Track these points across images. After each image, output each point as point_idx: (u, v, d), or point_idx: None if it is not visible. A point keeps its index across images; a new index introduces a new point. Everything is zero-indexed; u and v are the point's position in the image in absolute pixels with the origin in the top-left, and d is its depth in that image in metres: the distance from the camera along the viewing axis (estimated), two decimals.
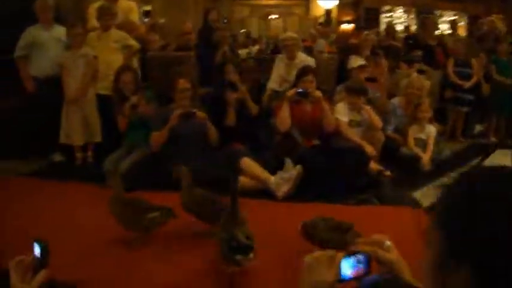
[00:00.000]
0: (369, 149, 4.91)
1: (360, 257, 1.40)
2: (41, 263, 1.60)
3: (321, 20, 13.57)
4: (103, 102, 5.76)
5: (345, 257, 1.37)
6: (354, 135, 5.12)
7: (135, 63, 6.15)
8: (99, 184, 4.93)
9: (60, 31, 5.92)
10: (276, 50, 9.34)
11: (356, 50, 6.83)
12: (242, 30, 13.66)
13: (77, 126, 5.66)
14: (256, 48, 10.55)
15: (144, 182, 4.67)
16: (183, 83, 4.91)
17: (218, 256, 3.01)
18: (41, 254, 1.61)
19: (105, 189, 4.77)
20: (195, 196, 3.62)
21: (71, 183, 5.18)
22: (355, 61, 5.88)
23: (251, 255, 2.81)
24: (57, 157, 5.93)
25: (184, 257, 3.38)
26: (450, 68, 6.91)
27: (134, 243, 3.50)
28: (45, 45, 5.81)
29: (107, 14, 5.87)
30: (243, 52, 9.76)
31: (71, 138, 5.73)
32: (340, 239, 3.02)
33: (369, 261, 1.41)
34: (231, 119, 5.11)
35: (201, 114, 4.80)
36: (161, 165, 4.87)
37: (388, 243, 1.39)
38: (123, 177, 4.68)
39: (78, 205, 4.40)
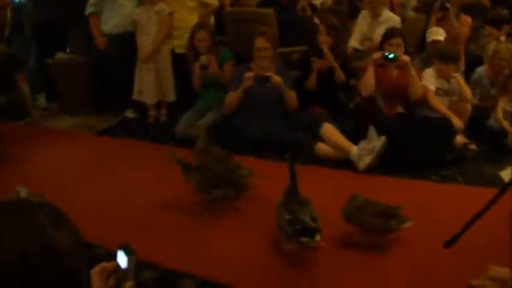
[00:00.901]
0: (456, 121, 4.69)
1: None
2: (126, 274, 1.49)
3: None
4: (178, 60, 5.75)
5: None
6: (441, 104, 4.91)
7: (212, 19, 6.08)
8: (171, 144, 5.03)
9: None
10: (352, 1, 9.03)
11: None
12: None
13: (150, 85, 5.70)
14: None
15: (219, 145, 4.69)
16: (262, 42, 4.81)
17: (279, 235, 3.07)
18: (128, 264, 1.50)
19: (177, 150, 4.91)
20: (208, 157, 3.85)
21: (143, 142, 5.27)
22: (433, 33, 5.54)
23: (318, 237, 2.81)
24: (130, 114, 6.05)
25: (245, 231, 3.41)
26: None
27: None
28: (117, 1, 5.81)
29: None
30: (316, 2, 9.48)
31: (144, 96, 5.79)
32: (384, 225, 3.05)
33: None
34: (311, 83, 4.98)
35: (276, 78, 4.72)
36: (236, 129, 4.88)
37: None
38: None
39: (149, 166, 4.49)
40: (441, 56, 5.00)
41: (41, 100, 6.74)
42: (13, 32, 7.28)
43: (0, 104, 6.27)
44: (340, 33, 5.14)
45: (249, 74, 4.75)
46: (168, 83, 5.76)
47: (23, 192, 2.25)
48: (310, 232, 2.81)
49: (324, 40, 4.98)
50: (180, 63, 5.67)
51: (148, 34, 5.64)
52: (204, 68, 5.08)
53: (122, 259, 1.51)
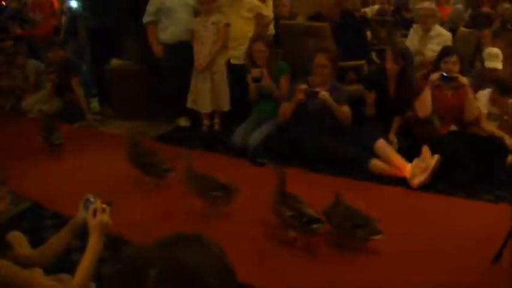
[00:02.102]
0: (509, 141, 4.77)
1: None
2: None
3: None
4: (233, 71, 5.95)
5: None
6: (491, 126, 4.99)
7: (271, 29, 6.24)
8: (224, 153, 5.28)
9: None
10: (397, 11, 9.11)
11: (489, 22, 6.53)
12: None
13: (205, 94, 5.89)
14: (375, 7, 10.30)
15: (274, 156, 4.89)
16: (322, 59, 4.94)
17: (287, 230, 3.57)
18: None
19: (231, 159, 5.11)
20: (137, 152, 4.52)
21: (196, 151, 5.36)
22: (490, 59, 5.48)
23: (324, 223, 3.41)
24: (183, 122, 6.29)
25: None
26: None
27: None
28: (174, 10, 6.04)
29: None
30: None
31: (199, 105, 6.00)
32: (349, 230, 3.42)
33: None
34: (369, 111, 5.12)
35: (324, 95, 4.80)
36: (291, 141, 5.05)
37: None
38: (253, 150, 4.95)
39: None
40: (499, 87, 5.03)
41: (94, 104, 7.00)
42: (68, 37, 7.61)
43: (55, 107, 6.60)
44: (408, 60, 5.15)
45: (300, 88, 4.88)
46: (223, 93, 5.95)
47: (93, 199, 2.43)
48: (317, 220, 3.39)
49: (390, 67, 5.04)
50: (235, 74, 5.88)
51: (204, 44, 5.83)
52: (256, 80, 5.23)
53: None
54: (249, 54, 5.46)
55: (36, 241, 2.68)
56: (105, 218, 2.31)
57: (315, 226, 3.36)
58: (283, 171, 3.59)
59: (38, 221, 4.05)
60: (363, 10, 9.17)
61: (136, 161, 4.50)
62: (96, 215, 2.31)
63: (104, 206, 2.35)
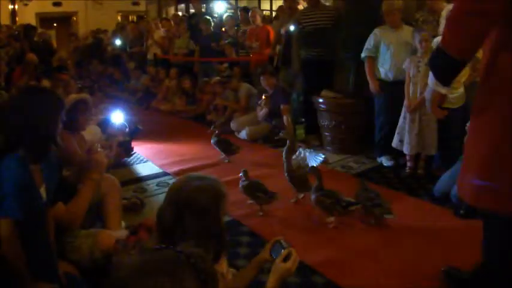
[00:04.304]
0: None
1: None
2: None
3: None
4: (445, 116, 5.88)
5: None
6: None
7: None
8: (425, 199, 5.27)
9: (408, 33, 6.25)
10: None
11: None
12: None
13: (412, 135, 5.97)
14: None
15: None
16: None
17: (327, 215, 4.62)
18: None
19: (432, 206, 5.11)
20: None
21: (398, 192, 5.50)
22: None
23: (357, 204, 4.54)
24: (387, 161, 6.47)
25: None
26: None
27: None
28: (392, 47, 6.27)
29: None
30: None
31: (404, 146, 6.09)
32: (370, 209, 4.54)
33: None
34: None
35: None
36: None
37: None
38: (457, 200, 4.92)
39: (410, 218, 4.74)
40: None
41: (300, 131, 7.41)
42: (281, 66, 8.17)
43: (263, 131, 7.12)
44: None
45: None
46: (431, 136, 5.94)
47: (285, 244, 2.52)
48: (352, 203, 4.51)
49: None
50: (445, 118, 5.76)
51: (416, 84, 5.92)
52: None
53: None
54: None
55: (231, 256, 2.91)
56: (293, 268, 2.42)
57: (352, 208, 4.49)
58: (319, 171, 4.73)
59: (235, 236, 4.43)
60: None
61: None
62: (287, 260, 2.41)
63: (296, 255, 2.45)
